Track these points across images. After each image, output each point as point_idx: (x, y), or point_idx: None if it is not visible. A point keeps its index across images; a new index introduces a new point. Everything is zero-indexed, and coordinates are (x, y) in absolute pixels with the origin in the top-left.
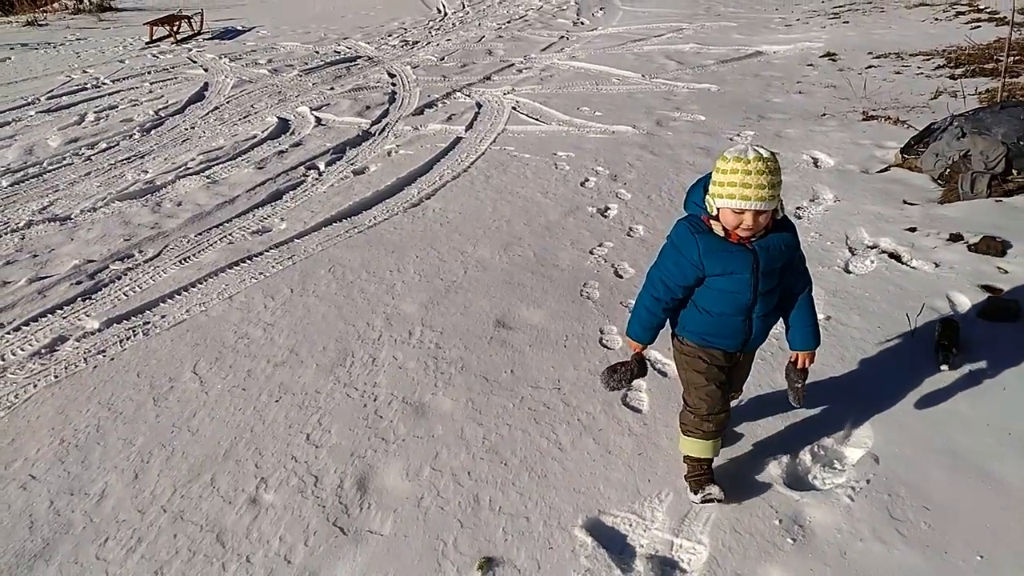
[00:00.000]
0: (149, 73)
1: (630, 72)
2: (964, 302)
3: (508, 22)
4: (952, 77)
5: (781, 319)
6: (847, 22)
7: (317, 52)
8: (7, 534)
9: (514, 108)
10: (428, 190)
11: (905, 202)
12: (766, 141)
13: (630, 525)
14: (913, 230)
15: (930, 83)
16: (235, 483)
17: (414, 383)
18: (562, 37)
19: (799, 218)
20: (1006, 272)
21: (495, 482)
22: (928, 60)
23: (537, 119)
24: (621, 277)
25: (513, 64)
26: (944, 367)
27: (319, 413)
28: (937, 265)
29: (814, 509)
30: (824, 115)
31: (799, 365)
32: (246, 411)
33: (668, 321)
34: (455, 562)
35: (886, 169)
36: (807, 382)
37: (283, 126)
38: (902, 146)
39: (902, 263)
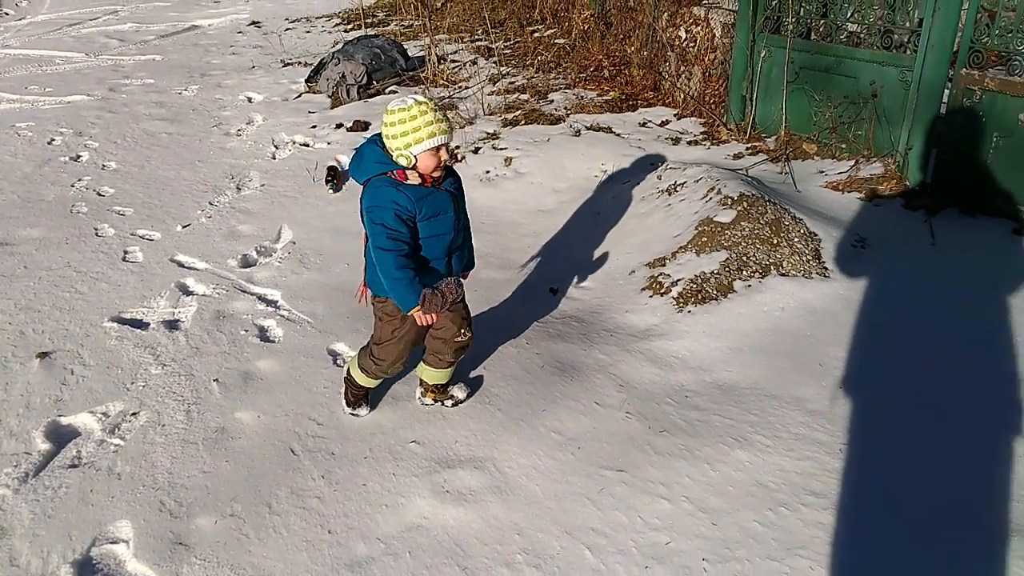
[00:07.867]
0: None
1: (73, 53)
2: (346, 161)
3: None
4: (346, 31)
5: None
6: None
7: None
8: None
9: None
10: None
11: (309, 112)
12: (209, 91)
13: (143, 313)
14: (315, 127)
15: (331, 36)
16: None
17: None
18: None
19: (239, 135)
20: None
21: (31, 322)
22: (329, 20)
23: None
24: (103, 196)
25: None
26: (331, 191)
27: None
28: (329, 143)
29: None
30: (253, 67)
31: (463, 278)
32: None
33: (371, 281)
34: (16, 361)
35: (299, 96)
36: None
37: None
38: (306, 78)
39: (308, 147)
